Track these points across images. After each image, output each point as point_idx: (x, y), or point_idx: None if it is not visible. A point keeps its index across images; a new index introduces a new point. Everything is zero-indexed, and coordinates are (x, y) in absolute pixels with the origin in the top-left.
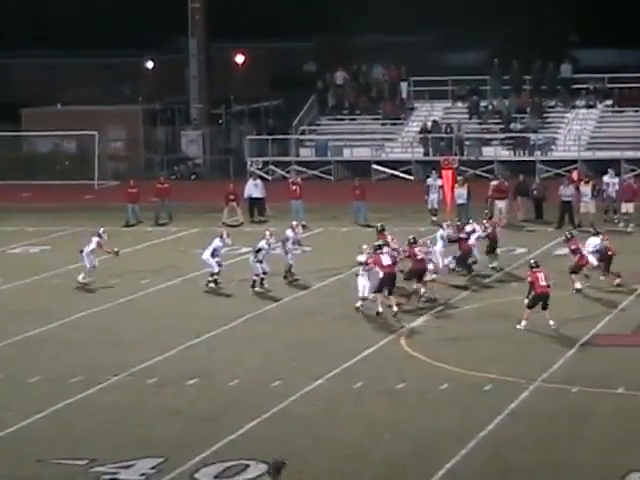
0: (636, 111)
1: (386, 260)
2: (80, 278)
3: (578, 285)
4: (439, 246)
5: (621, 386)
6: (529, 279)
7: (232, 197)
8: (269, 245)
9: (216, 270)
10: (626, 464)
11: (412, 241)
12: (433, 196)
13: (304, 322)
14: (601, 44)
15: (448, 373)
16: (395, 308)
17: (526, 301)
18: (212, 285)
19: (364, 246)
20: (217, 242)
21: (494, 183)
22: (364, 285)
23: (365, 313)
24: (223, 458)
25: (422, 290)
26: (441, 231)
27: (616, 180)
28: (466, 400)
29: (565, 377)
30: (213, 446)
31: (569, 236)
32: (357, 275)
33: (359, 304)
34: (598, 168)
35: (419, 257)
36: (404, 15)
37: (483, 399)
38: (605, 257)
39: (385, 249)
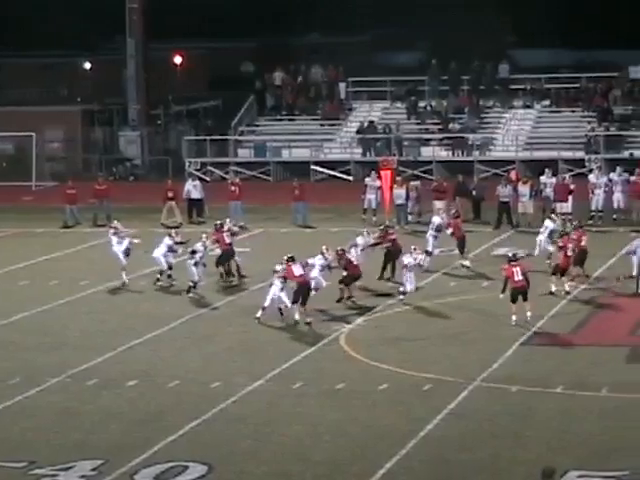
0: (573, 111)
1: (297, 270)
2: (162, 281)
3: (553, 288)
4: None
5: (560, 385)
6: (504, 273)
7: (170, 195)
8: (205, 247)
9: (164, 268)
10: (565, 463)
11: (341, 251)
12: (371, 196)
13: (244, 323)
14: (538, 44)
15: (388, 373)
16: (308, 319)
17: (501, 296)
18: (160, 283)
19: (323, 247)
20: (167, 241)
21: (413, 184)
22: (275, 294)
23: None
24: (163, 459)
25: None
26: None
27: (553, 180)
28: (406, 400)
29: (504, 377)
30: (153, 447)
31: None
32: (272, 284)
33: (259, 314)
34: (536, 168)
35: (354, 263)
36: (342, 15)
37: (423, 399)
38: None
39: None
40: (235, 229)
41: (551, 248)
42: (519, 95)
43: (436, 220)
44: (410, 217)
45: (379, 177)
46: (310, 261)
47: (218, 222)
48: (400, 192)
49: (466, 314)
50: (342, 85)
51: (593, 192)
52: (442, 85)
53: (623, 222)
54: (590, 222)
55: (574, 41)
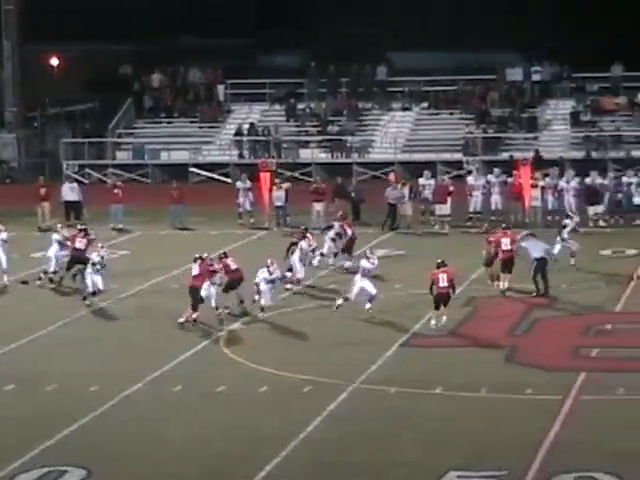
0: (451, 113)
1: (233, 265)
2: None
3: (502, 285)
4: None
5: (439, 386)
6: (431, 277)
7: (43, 194)
8: (102, 257)
9: (51, 270)
10: (444, 463)
11: (223, 255)
12: (243, 199)
13: (123, 326)
14: (416, 47)
15: (268, 376)
16: (194, 315)
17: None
18: (44, 282)
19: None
20: (56, 236)
21: (285, 186)
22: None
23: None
24: (40, 464)
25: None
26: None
27: (432, 182)
28: (285, 402)
29: (384, 378)
30: (30, 452)
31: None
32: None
33: (219, 311)
34: (414, 170)
35: (233, 267)
36: (221, 18)
37: (302, 401)
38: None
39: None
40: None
41: (574, 246)
42: (398, 97)
43: (336, 224)
44: (289, 219)
45: (257, 179)
46: (258, 278)
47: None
48: (279, 194)
49: (343, 317)
50: (221, 87)
51: (471, 194)
52: (321, 87)
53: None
54: (468, 224)
55: (452, 44)
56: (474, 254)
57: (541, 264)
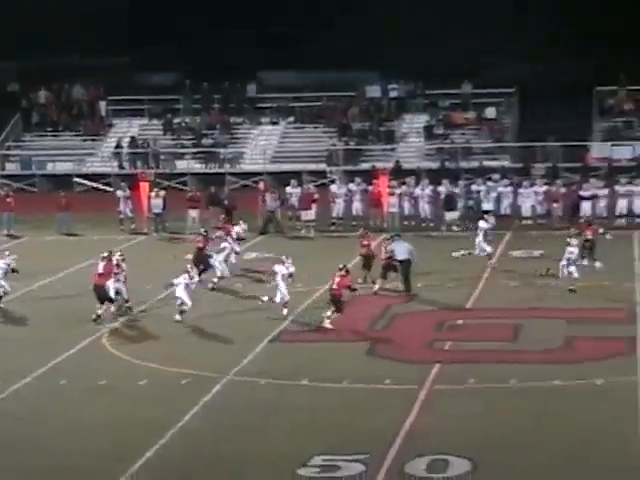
0: (315, 127)
1: (99, 270)
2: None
3: (376, 287)
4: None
5: (305, 378)
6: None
7: None
8: (8, 264)
9: None
10: (311, 449)
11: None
12: (123, 206)
13: (8, 323)
14: (284, 66)
15: (148, 369)
16: (99, 312)
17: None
18: None
19: (283, 257)
20: None
21: (162, 194)
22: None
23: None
24: None
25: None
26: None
27: (298, 190)
28: (164, 394)
29: (254, 371)
30: None
31: (364, 233)
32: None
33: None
34: (282, 179)
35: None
36: (100, 38)
37: (180, 392)
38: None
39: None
40: None
41: (488, 248)
42: (266, 113)
43: (238, 228)
44: (166, 225)
45: (136, 188)
46: (175, 281)
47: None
48: (157, 202)
49: (220, 315)
50: (102, 103)
51: (334, 201)
52: (195, 104)
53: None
54: (332, 228)
55: (316, 63)
56: (337, 256)
57: (405, 265)
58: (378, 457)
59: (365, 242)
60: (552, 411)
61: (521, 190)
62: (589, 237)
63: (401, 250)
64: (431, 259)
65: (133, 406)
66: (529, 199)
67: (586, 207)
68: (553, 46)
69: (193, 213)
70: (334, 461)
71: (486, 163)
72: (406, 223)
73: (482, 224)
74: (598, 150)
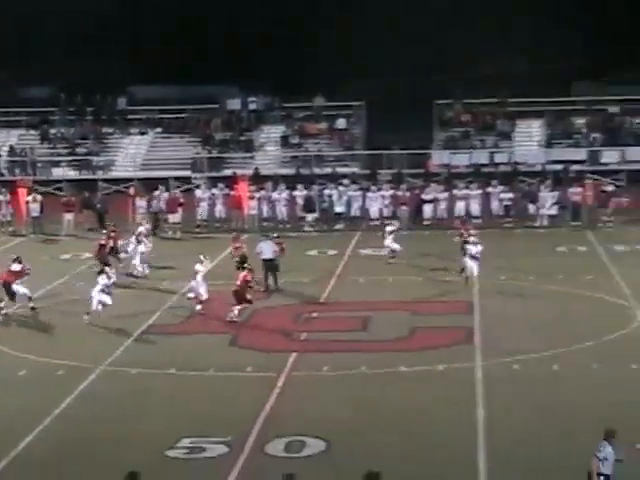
0: (181, 137)
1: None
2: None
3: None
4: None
5: (173, 367)
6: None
7: None
8: None
9: None
10: (178, 432)
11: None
12: (4, 211)
13: None
14: (152, 80)
15: (27, 361)
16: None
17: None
18: None
19: (201, 256)
20: None
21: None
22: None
23: None
24: None
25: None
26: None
27: (166, 194)
28: (42, 384)
29: (126, 361)
30: None
31: (236, 236)
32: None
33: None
34: (151, 185)
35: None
36: None
37: (57, 382)
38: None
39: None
40: None
41: (397, 246)
42: (135, 124)
43: (141, 229)
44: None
45: (15, 193)
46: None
47: None
48: (35, 206)
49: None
50: None
51: (199, 204)
52: (70, 115)
53: (224, 229)
54: (197, 230)
55: (181, 78)
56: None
57: (269, 264)
58: (241, 439)
59: (237, 244)
60: (399, 395)
61: (369, 194)
62: (467, 238)
63: (267, 250)
64: (289, 258)
65: (13, 395)
66: (376, 202)
67: (427, 209)
68: (395, 63)
69: (68, 216)
70: (200, 443)
71: (337, 169)
72: (265, 224)
73: (389, 228)
74: (438, 157)
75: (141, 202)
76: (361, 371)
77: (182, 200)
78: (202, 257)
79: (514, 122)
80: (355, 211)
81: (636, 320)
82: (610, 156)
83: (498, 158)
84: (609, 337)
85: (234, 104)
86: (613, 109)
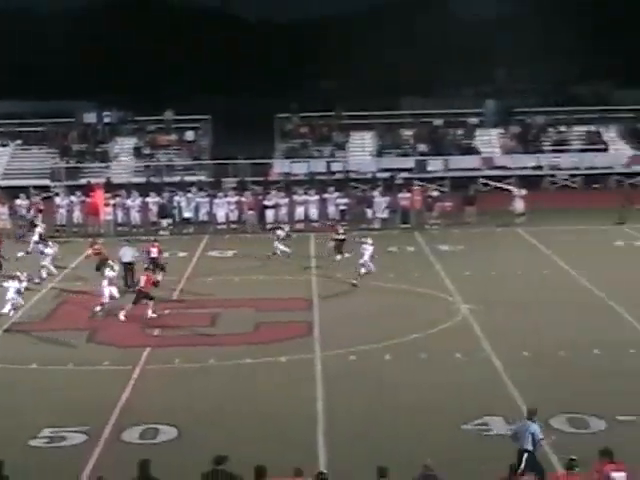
0: (40, 149)
1: None
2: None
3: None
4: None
5: (35, 362)
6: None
7: None
8: None
9: None
10: (40, 423)
11: None
12: None
13: None
14: (11, 95)
15: None
16: None
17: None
18: None
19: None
20: None
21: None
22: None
23: None
24: None
25: None
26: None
27: (27, 202)
28: None
29: None
30: None
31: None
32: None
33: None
34: (13, 192)
35: None
36: None
37: None
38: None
39: None
40: None
41: (287, 249)
42: None
43: (39, 230)
44: None
45: None
46: (5, 284)
47: None
48: None
49: None
50: None
51: (58, 211)
52: None
53: (81, 234)
54: (57, 234)
55: (40, 94)
56: (63, 257)
57: (128, 267)
58: (98, 428)
59: (97, 247)
60: (245, 384)
61: (216, 200)
62: (336, 237)
63: (128, 254)
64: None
65: None
66: (223, 208)
67: (270, 214)
68: (234, 80)
69: None
70: (60, 432)
71: (186, 178)
72: (120, 229)
73: (279, 232)
74: (279, 166)
75: (3, 209)
76: (210, 363)
77: (42, 207)
78: (111, 263)
79: (348, 134)
80: (203, 216)
81: (459, 313)
82: (435, 165)
83: (334, 167)
84: (436, 329)
85: (90, 118)
86: (437, 122)
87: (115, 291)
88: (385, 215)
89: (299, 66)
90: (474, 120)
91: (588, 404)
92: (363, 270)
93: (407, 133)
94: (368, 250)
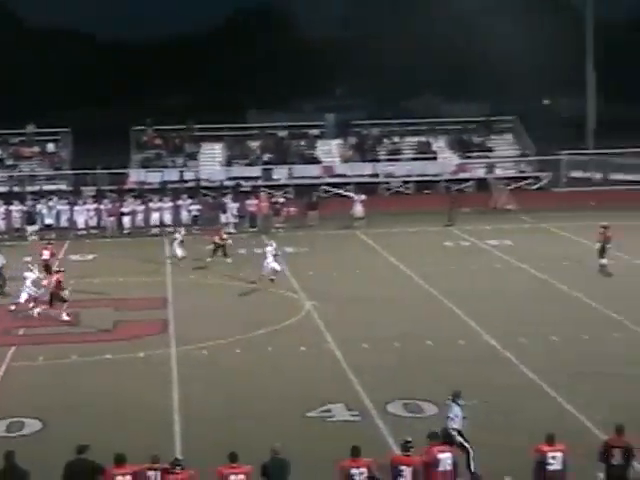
0: None
1: None
2: None
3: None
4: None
5: None
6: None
7: None
8: None
9: None
10: None
11: None
12: None
13: None
14: None
15: None
16: None
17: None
18: None
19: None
20: None
21: None
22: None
23: None
24: None
25: None
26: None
27: None
28: None
29: None
30: None
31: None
32: None
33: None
34: None
35: None
36: None
37: None
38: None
39: None
40: None
41: (179, 251)
42: None
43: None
44: None
45: None
46: None
47: None
48: None
49: None
50: None
51: None
52: None
53: None
54: None
55: None
56: None
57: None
58: None
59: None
60: (105, 379)
61: (76, 207)
62: (217, 241)
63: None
64: (9, 264)
65: None
66: (82, 215)
67: (126, 220)
68: (92, 95)
69: None
70: None
71: (47, 187)
72: None
73: (177, 235)
74: (135, 175)
75: None
76: (72, 360)
77: None
78: (30, 266)
79: (199, 145)
80: (64, 222)
81: (304, 309)
82: (280, 173)
83: (187, 176)
84: (282, 324)
85: None
86: (282, 133)
87: None
88: (236, 220)
89: (154, 81)
90: (315, 132)
91: (422, 390)
92: (265, 272)
93: (254, 144)
94: (271, 252)
